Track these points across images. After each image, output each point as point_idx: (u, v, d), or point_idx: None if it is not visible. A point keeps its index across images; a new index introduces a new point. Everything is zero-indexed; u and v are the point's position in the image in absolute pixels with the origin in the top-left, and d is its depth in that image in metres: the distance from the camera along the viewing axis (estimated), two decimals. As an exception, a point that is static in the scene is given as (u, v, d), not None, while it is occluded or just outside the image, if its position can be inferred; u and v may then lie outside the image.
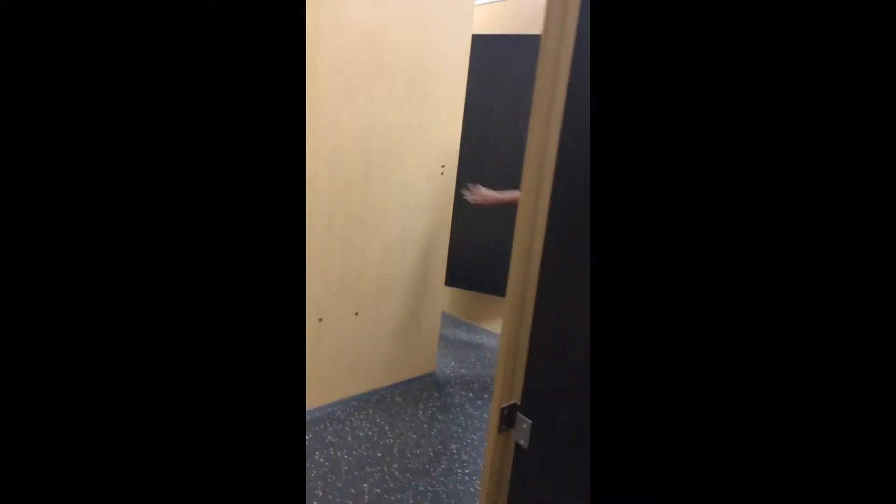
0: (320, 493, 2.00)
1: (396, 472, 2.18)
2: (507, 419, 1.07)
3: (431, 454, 2.34)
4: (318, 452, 2.26)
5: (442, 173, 2.81)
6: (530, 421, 1.01)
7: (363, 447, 2.33)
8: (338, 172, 2.36)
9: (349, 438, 2.39)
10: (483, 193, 2.40)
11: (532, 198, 0.93)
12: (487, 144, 3.51)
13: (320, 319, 2.47)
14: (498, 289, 3.65)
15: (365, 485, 2.08)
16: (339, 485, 2.07)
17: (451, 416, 2.68)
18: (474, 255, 3.68)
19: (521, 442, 1.03)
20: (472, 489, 2.13)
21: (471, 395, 2.93)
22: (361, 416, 2.59)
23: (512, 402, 1.06)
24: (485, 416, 2.72)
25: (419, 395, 2.87)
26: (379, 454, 2.30)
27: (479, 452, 2.39)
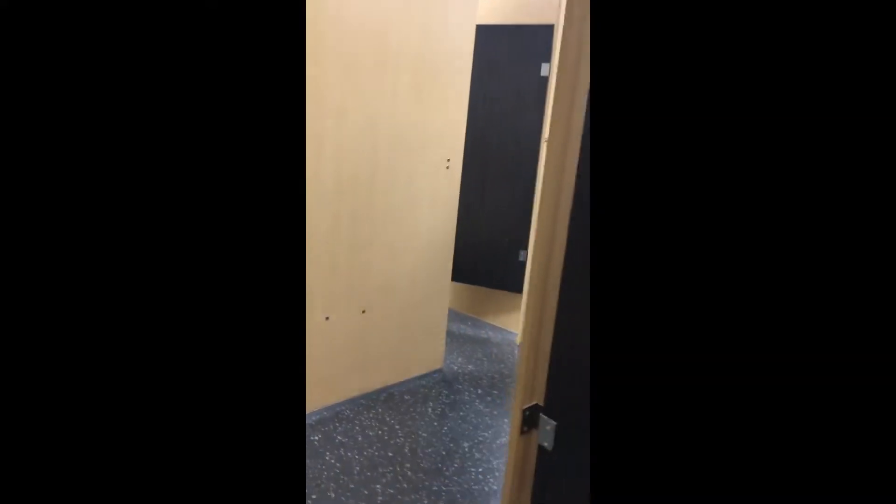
0: (333, 496, 1.98)
1: (409, 472, 2.16)
2: (528, 420, 1.05)
3: (444, 453, 2.32)
4: (328, 453, 2.23)
5: (447, 167, 2.77)
6: (554, 422, 0.99)
7: (374, 447, 2.31)
8: (343, 168, 2.32)
9: (359, 438, 2.36)
10: None
11: (554, 189, 0.90)
12: (491, 136, 3.47)
13: (327, 318, 2.44)
14: (502, 283, 3.62)
15: (378, 486, 2.06)
16: (352, 486, 2.04)
17: (461, 414, 2.65)
18: (478, 250, 3.64)
19: (545, 444, 1.01)
20: (486, 488, 2.11)
21: (479, 391, 2.90)
22: (370, 415, 2.56)
23: (534, 402, 1.04)
24: (495, 412, 2.69)
25: (428, 392, 2.85)
26: (390, 454, 2.27)
27: (491, 450, 2.36)
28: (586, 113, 0.80)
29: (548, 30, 3.17)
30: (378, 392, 2.79)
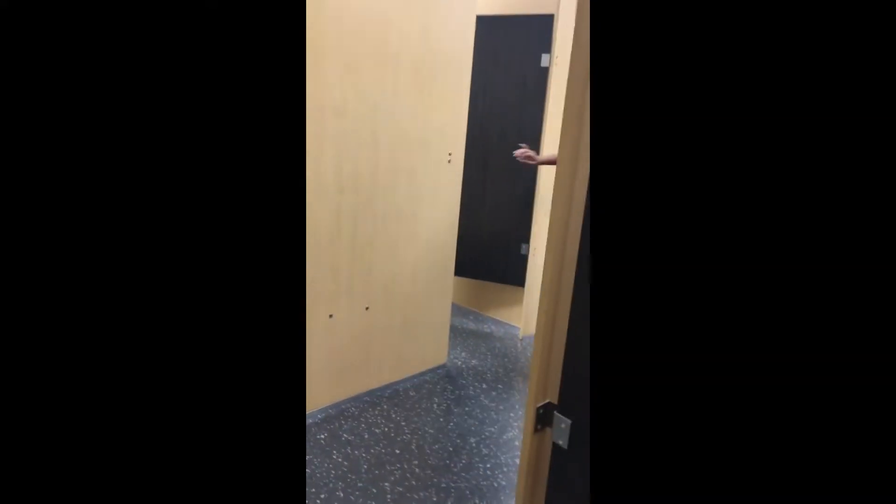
0: (341, 495, 1.97)
1: (417, 469, 2.15)
2: (542, 418, 1.04)
3: (451, 449, 2.31)
4: (335, 452, 2.22)
5: (449, 161, 2.75)
6: (570, 421, 0.98)
7: (381, 444, 2.30)
8: (344, 166, 2.30)
9: (366, 436, 2.35)
10: (529, 154, 2.62)
11: (567, 188, 0.89)
12: (492, 128, 3.44)
13: (331, 316, 2.43)
14: (504, 277, 3.61)
15: (386, 484, 2.05)
16: (360, 484, 2.04)
17: (466, 409, 2.65)
18: (479, 244, 3.63)
19: (560, 442, 1.00)
20: (495, 484, 2.10)
21: (484, 386, 2.89)
22: (376, 412, 2.55)
23: (547, 400, 1.04)
24: (500, 407, 2.69)
25: (432, 388, 2.84)
26: (397, 451, 2.26)
27: (498, 445, 2.36)
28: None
29: (547, 20, 3.14)
30: (383, 389, 2.78)
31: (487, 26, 3.29)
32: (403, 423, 2.48)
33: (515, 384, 2.95)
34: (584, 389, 0.94)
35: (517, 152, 2.65)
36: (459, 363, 3.15)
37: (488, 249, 3.61)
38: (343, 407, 2.58)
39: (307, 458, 2.16)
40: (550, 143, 3.32)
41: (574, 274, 0.91)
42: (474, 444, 2.35)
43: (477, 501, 1.99)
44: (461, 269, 3.71)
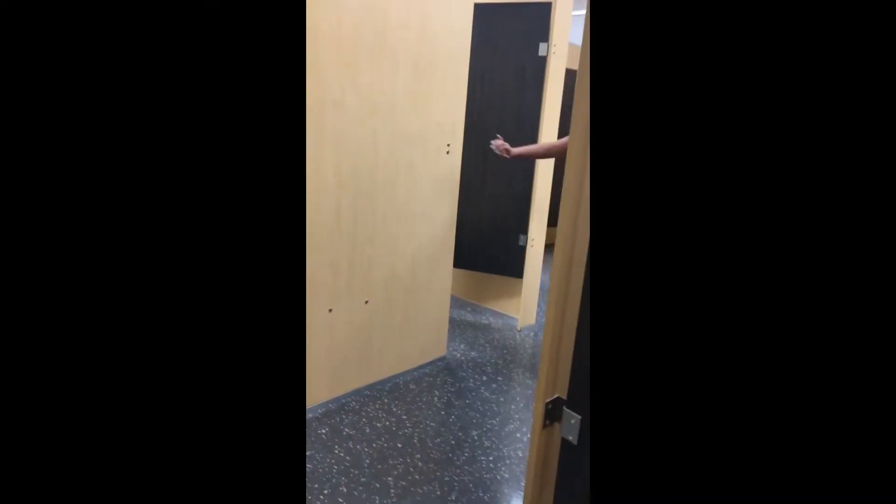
0: (345, 490, 1.96)
1: (420, 463, 2.14)
2: (550, 414, 1.04)
3: (453, 442, 2.30)
4: (337, 447, 2.21)
5: (448, 152, 2.72)
6: (579, 416, 0.98)
7: (383, 438, 2.29)
8: (343, 160, 2.27)
9: (367, 430, 2.34)
10: (506, 146, 2.59)
11: (576, 185, 0.88)
12: (490, 118, 3.41)
13: (330, 310, 2.41)
14: (503, 268, 3.59)
15: (390, 478, 2.05)
16: (363, 479, 2.03)
17: (467, 402, 2.64)
18: (476, 235, 3.61)
19: (570, 438, 1.00)
20: (498, 476, 2.10)
21: (484, 378, 2.89)
22: (377, 406, 2.54)
23: (556, 395, 1.03)
24: (501, 399, 2.68)
25: (433, 380, 2.83)
26: (400, 445, 2.26)
27: (500, 438, 2.36)
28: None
29: (545, 8, 3.10)
30: (383, 382, 2.77)
31: (485, 15, 3.25)
32: (405, 417, 2.47)
33: (515, 376, 2.94)
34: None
35: (494, 143, 2.62)
36: (459, 355, 3.14)
37: (487, 240, 3.60)
38: (343, 401, 2.56)
39: (309, 453, 2.15)
40: (548, 132, 3.29)
41: (583, 270, 0.90)
42: (476, 437, 2.35)
43: (481, 494, 1.99)
44: (459, 260, 3.69)
